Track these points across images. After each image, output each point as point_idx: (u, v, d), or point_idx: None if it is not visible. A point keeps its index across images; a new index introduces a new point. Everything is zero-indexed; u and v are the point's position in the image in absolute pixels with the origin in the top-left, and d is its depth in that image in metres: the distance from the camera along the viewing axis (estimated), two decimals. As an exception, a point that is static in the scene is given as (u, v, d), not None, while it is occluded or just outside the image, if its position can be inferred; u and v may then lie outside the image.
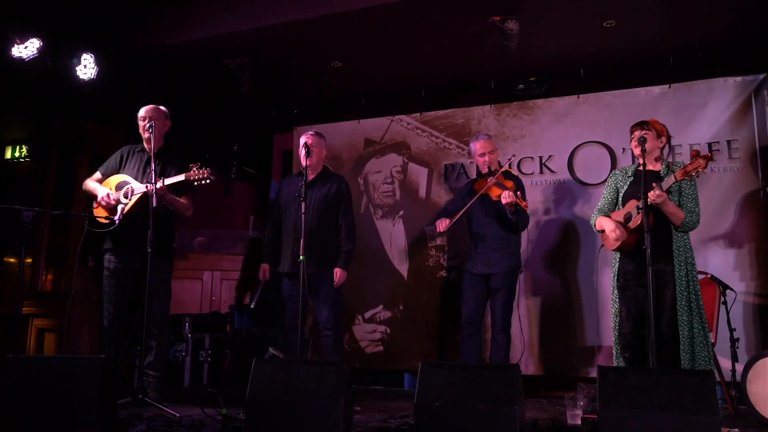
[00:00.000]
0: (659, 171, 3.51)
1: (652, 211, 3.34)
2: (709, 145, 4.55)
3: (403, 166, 5.49)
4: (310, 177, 4.19)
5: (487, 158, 4.24)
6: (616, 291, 3.54)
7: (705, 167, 3.24)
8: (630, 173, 3.64)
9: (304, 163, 4.00)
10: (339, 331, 4.20)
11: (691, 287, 3.37)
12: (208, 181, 3.74)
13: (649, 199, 3.26)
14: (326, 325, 4.05)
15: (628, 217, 3.47)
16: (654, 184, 3.34)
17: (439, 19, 4.44)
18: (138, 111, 4.09)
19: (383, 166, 5.56)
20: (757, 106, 4.51)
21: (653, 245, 3.28)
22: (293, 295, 3.99)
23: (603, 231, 3.61)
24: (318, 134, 4.28)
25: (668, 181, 3.31)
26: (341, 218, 4.21)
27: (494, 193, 4.06)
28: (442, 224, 4.19)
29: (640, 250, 3.17)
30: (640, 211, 3.28)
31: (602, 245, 3.69)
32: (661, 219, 3.39)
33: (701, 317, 3.35)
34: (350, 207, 4.29)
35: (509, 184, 4.05)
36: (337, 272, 4.10)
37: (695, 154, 3.27)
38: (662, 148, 3.59)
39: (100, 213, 3.95)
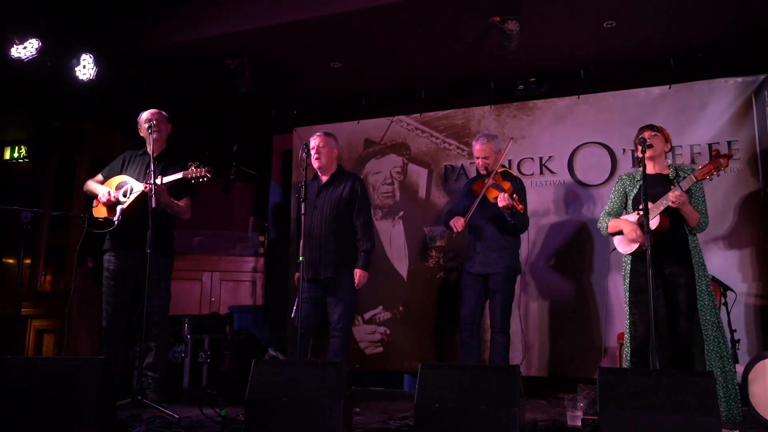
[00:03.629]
0: (668, 174, 3.51)
1: (668, 213, 3.34)
2: (710, 145, 4.54)
3: (402, 167, 5.49)
4: (324, 179, 4.15)
5: (480, 162, 4.23)
6: (629, 294, 3.50)
7: (726, 166, 3.26)
8: (638, 177, 3.61)
9: (315, 165, 4.00)
10: (349, 334, 4.15)
11: (709, 289, 3.39)
12: (206, 179, 3.73)
13: (670, 200, 3.27)
14: (337, 326, 3.99)
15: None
16: (673, 186, 3.34)
17: (439, 20, 4.43)
18: (138, 112, 4.09)
19: (383, 167, 5.55)
20: (758, 107, 4.51)
21: (668, 248, 3.31)
22: (311, 298, 3.94)
23: (615, 234, 3.57)
24: (327, 134, 4.18)
25: (688, 181, 3.31)
26: (355, 218, 4.09)
27: (491, 194, 4.04)
28: (458, 223, 4.11)
29: (655, 252, 3.12)
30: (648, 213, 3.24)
31: (614, 249, 3.66)
32: (677, 221, 3.39)
33: (720, 323, 3.38)
34: (365, 206, 4.16)
35: (506, 185, 4.03)
36: (358, 273, 4.01)
37: (716, 154, 3.27)
38: (667, 153, 3.61)
39: (99, 213, 3.95)
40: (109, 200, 3.89)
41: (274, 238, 6.15)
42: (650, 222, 3.35)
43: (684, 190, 3.29)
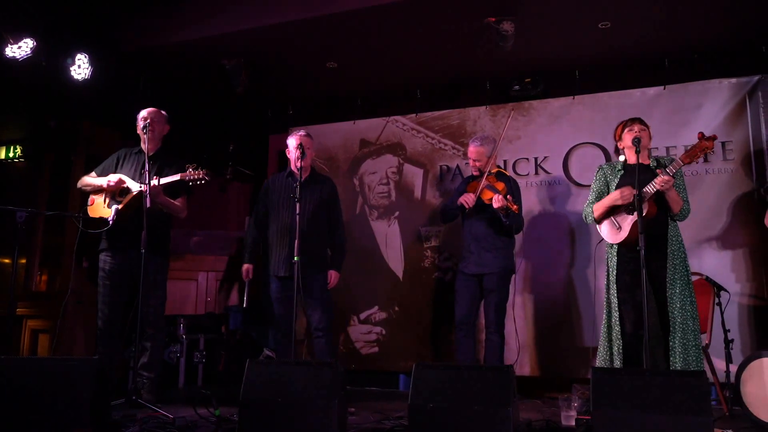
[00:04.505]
0: (648, 165, 3.53)
1: (655, 201, 3.35)
2: (701, 132, 4.54)
3: (398, 167, 5.49)
4: (302, 178, 4.17)
5: (471, 164, 4.28)
6: (614, 287, 3.47)
7: (711, 148, 3.28)
8: (619, 167, 3.63)
9: (299, 164, 3.97)
10: (331, 333, 4.20)
11: (685, 279, 3.38)
12: (203, 181, 3.73)
13: (657, 184, 3.27)
14: (319, 326, 4.03)
15: (629, 207, 3.41)
16: (659, 171, 3.35)
17: (435, 20, 4.44)
18: (135, 112, 4.08)
19: (379, 167, 5.56)
20: (752, 108, 4.53)
21: (652, 238, 3.29)
22: (286, 297, 3.97)
23: (602, 219, 3.57)
24: (308, 135, 4.25)
25: (675, 165, 3.31)
26: (332, 220, 4.22)
27: (486, 196, 4.05)
28: (470, 198, 4.08)
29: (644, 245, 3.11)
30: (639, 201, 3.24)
31: (600, 242, 3.66)
32: (662, 209, 3.40)
33: (695, 313, 3.36)
34: (340, 208, 4.33)
35: (500, 186, 4.04)
36: (332, 274, 4.13)
37: (701, 137, 3.29)
38: (650, 149, 3.65)
39: (95, 212, 3.94)
40: (118, 181, 3.84)
41: (270, 238, 6.14)
42: (634, 212, 3.35)
43: (672, 174, 3.29)
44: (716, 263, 4.39)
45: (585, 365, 4.56)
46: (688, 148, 3.36)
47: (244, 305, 4.02)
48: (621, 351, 3.40)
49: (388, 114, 5.58)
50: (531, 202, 4.90)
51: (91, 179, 4.02)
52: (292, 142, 4.16)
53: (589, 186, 4.74)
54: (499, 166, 4.46)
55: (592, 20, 4.39)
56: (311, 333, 4.10)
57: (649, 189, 3.32)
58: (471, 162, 4.27)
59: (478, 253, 4.14)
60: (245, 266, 4.24)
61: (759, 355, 3.35)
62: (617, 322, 3.45)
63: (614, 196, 3.47)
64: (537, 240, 4.91)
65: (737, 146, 4.52)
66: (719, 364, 3.70)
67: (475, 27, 4.44)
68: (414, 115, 5.49)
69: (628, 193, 3.37)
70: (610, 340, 3.48)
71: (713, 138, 3.30)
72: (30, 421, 2.79)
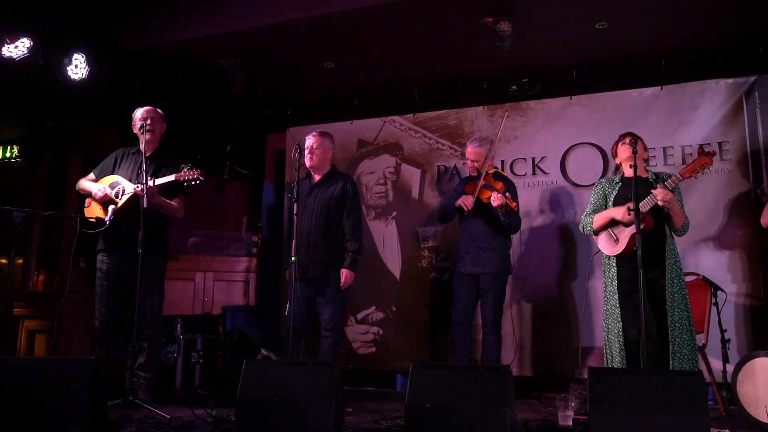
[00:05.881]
0: (647, 177, 3.54)
1: (653, 214, 3.35)
2: (701, 146, 4.56)
3: (396, 167, 5.49)
4: (317, 178, 4.17)
5: (469, 165, 4.28)
6: (616, 296, 3.49)
7: (711, 164, 3.29)
8: (617, 180, 3.66)
9: (308, 164, 4.01)
10: (340, 334, 4.17)
11: (683, 292, 3.41)
12: (198, 181, 3.73)
13: (658, 198, 3.28)
14: (327, 326, 4.00)
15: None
16: (658, 185, 3.35)
17: (432, 20, 4.44)
18: (131, 111, 4.08)
19: (376, 167, 5.55)
20: (748, 108, 4.54)
21: (650, 250, 3.30)
22: (302, 297, 3.96)
23: (600, 231, 3.58)
24: (322, 134, 4.19)
25: (674, 179, 3.32)
26: (345, 218, 4.10)
27: (484, 195, 4.06)
28: (468, 201, 4.09)
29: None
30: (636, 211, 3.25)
31: (597, 251, 3.67)
32: (659, 221, 3.41)
33: (691, 324, 3.39)
34: (355, 206, 4.17)
35: (498, 185, 4.05)
36: (344, 273, 4.02)
37: (701, 152, 3.29)
38: (645, 160, 3.65)
39: (91, 213, 3.93)
40: (104, 196, 3.87)
41: (267, 238, 6.15)
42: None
43: (670, 188, 3.30)
44: (713, 263, 4.40)
45: (582, 365, 4.56)
46: (688, 162, 3.37)
47: (286, 313, 4.00)
48: (629, 358, 3.41)
49: (385, 114, 5.58)
50: (528, 202, 4.90)
51: (85, 184, 4.02)
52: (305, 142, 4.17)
53: (586, 186, 4.83)
54: (496, 167, 4.46)
55: (589, 20, 4.39)
56: (319, 332, 4.08)
57: (649, 202, 3.33)
58: (469, 163, 4.28)
59: (474, 253, 4.14)
60: (287, 273, 4.20)
61: (755, 355, 3.36)
62: (621, 331, 3.45)
63: (617, 212, 3.46)
64: (534, 240, 4.91)
65: (734, 146, 4.52)
66: (716, 363, 3.70)
67: (473, 27, 4.44)
68: (411, 115, 5.49)
69: (631, 216, 3.37)
70: (617, 349, 3.47)
71: (713, 154, 3.32)
72: (27, 421, 2.79)
